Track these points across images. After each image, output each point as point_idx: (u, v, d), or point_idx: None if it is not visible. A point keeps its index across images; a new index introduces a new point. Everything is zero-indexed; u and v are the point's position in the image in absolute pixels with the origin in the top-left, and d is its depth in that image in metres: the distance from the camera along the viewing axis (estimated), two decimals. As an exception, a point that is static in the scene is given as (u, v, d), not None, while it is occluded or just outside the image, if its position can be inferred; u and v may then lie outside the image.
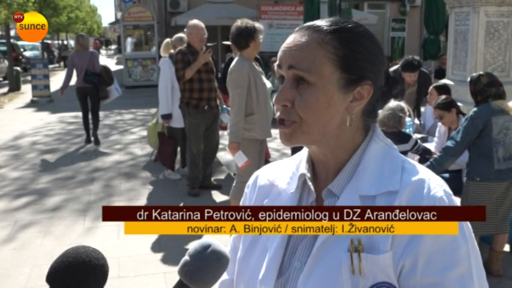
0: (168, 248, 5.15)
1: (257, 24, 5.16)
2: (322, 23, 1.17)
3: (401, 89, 6.79)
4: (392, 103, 5.01)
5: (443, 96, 5.32)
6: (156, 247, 5.20)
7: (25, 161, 9.02)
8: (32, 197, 6.98)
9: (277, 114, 1.17)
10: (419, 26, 23.00)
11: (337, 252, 1.10)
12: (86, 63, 9.45)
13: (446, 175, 5.16)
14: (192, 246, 1.10)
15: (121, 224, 5.44)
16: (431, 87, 6.32)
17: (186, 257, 1.08)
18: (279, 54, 1.19)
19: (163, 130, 7.67)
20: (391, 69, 7.32)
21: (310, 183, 1.22)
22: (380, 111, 5.06)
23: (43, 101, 16.33)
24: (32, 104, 16.24)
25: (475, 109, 4.41)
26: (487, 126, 4.31)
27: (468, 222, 1.12)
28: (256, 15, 18.15)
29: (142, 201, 6.67)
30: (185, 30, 6.59)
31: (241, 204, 1.39)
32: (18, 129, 11.86)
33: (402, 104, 5.05)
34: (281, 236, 1.19)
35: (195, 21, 6.58)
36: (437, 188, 1.11)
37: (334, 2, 13.22)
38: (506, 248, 4.83)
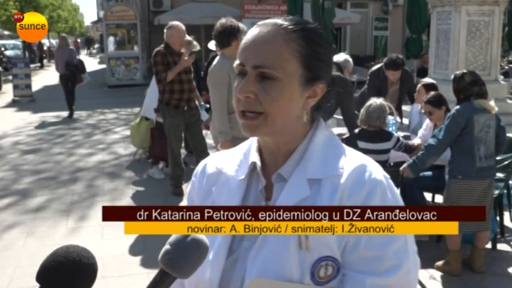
0: (151, 248, 5.12)
1: (241, 25, 5.16)
2: (287, 21, 1.22)
3: (384, 87, 6.83)
4: (375, 102, 5.03)
5: (434, 93, 5.33)
6: (139, 247, 5.17)
7: (7, 161, 8.93)
8: (14, 197, 6.91)
9: (238, 105, 1.22)
10: (401, 25, 23.15)
11: None
12: (66, 56, 13.11)
13: (429, 173, 5.20)
14: (173, 235, 1.11)
15: (105, 225, 5.45)
16: (419, 85, 6.35)
17: (167, 246, 1.09)
18: (241, 51, 1.22)
19: (153, 126, 7.59)
20: (375, 67, 7.36)
21: (259, 171, 1.27)
22: (362, 110, 5.08)
23: (25, 101, 16.17)
24: (13, 104, 16.07)
25: (457, 107, 4.44)
26: (469, 125, 4.34)
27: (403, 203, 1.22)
28: (239, 15, 18.14)
29: (126, 201, 6.64)
30: (165, 30, 6.53)
31: (188, 192, 1.42)
32: (0, 130, 11.73)
33: (384, 102, 5.08)
34: None
35: (176, 23, 6.52)
36: (377, 172, 1.20)
37: (317, 1, 13.25)
38: (488, 245, 4.89)
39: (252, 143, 1.34)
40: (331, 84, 1.28)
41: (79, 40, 57.34)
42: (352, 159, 1.22)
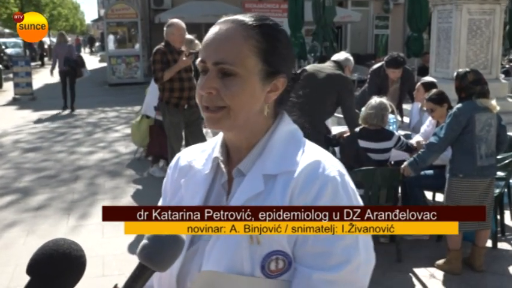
0: (152, 246, 5.12)
1: None
2: (246, 17, 1.26)
3: (384, 85, 6.82)
4: (375, 100, 5.02)
5: (436, 90, 5.31)
6: (140, 245, 5.17)
7: (8, 159, 8.93)
8: (15, 195, 6.91)
9: (201, 101, 1.25)
10: (402, 24, 23.12)
11: None
12: (65, 52, 13.66)
13: (430, 172, 5.20)
14: None
15: (105, 223, 5.44)
16: (418, 84, 6.34)
17: (145, 241, 1.11)
18: (203, 49, 1.25)
19: (152, 123, 7.59)
20: (375, 66, 7.35)
21: (222, 166, 1.31)
22: (363, 109, 5.08)
23: (25, 99, 16.17)
24: (14, 102, 16.07)
25: (458, 106, 4.44)
26: (470, 123, 4.34)
27: (360, 202, 1.22)
28: (240, 13, 18.15)
29: (126, 200, 6.64)
30: (165, 28, 6.52)
31: (163, 184, 1.45)
32: (0, 128, 11.74)
33: (384, 100, 5.06)
34: None
35: (176, 21, 6.51)
36: (332, 168, 1.20)
37: (318, -1, 13.24)
38: (489, 243, 4.89)
39: (219, 138, 1.37)
40: (293, 79, 1.31)
41: (81, 38, 57.50)
42: (309, 155, 1.22)
